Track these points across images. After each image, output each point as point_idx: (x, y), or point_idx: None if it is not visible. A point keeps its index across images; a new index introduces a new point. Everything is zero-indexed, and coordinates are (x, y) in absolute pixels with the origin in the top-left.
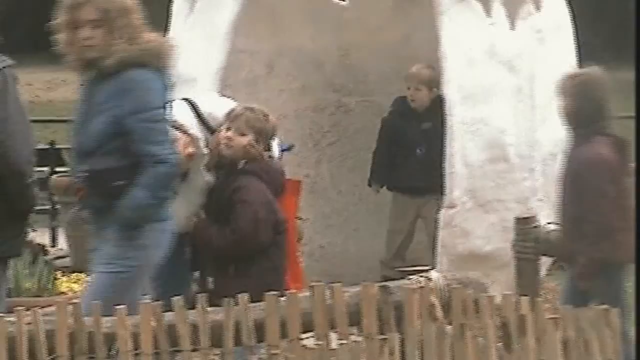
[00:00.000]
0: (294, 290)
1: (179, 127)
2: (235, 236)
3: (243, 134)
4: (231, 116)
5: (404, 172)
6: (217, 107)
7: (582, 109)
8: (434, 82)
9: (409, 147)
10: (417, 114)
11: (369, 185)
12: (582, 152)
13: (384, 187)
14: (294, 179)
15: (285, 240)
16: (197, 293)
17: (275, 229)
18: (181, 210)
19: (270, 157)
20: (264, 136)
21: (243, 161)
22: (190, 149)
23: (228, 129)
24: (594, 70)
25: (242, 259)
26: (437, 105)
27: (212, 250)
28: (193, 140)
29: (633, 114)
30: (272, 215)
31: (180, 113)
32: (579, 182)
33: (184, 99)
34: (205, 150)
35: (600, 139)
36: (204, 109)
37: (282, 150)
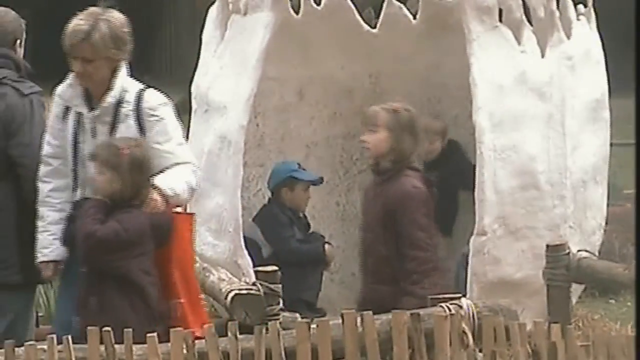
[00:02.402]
0: (193, 330)
1: None
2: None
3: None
4: None
5: None
6: None
7: (400, 144)
8: (445, 132)
9: None
10: (426, 164)
11: None
12: (395, 186)
13: None
14: (185, 213)
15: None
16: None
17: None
18: None
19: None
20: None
21: None
22: None
23: None
24: (406, 105)
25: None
26: (446, 154)
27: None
28: None
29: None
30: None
31: None
32: (394, 218)
33: None
34: None
35: (411, 172)
36: None
37: (312, 184)
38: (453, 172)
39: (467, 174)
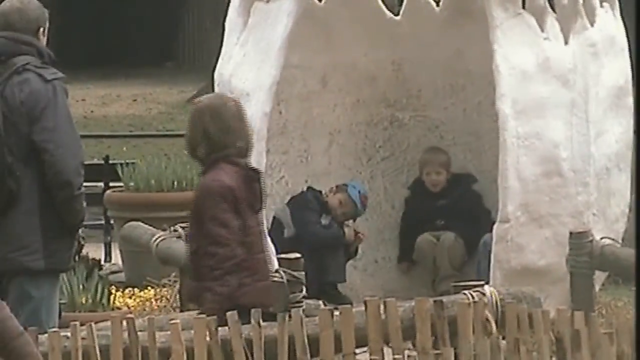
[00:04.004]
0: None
1: None
2: None
3: None
4: None
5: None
6: None
7: (209, 135)
8: (449, 163)
9: (429, 222)
10: (434, 194)
11: (398, 263)
12: (202, 180)
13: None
14: None
15: None
16: None
17: None
18: None
19: None
20: None
21: None
22: None
23: None
24: (220, 97)
25: None
26: (452, 185)
27: None
28: None
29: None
30: None
31: None
32: (199, 212)
33: None
34: None
35: (225, 166)
36: None
37: (355, 209)
38: (459, 203)
39: (473, 205)
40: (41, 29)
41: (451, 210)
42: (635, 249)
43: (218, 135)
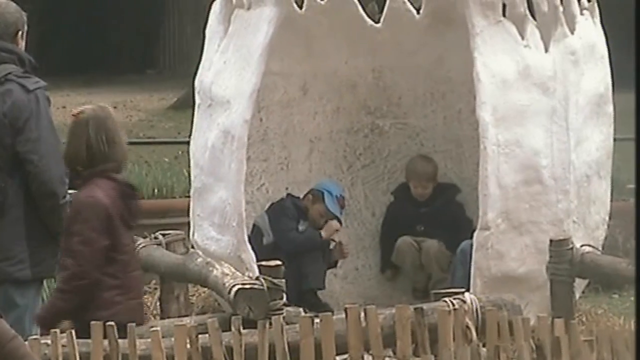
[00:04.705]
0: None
1: None
2: None
3: None
4: None
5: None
6: None
7: (89, 148)
8: (436, 174)
9: (410, 228)
10: (418, 201)
11: (382, 272)
12: (77, 195)
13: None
14: None
15: None
16: None
17: None
18: None
19: None
20: None
21: None
22: None
23: None
24: (102, 109)
25: None
26: (436, 194)
27: None
28: None
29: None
30: None
31: None
32: (68, 226)
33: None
34: None
35: (102, 182)
36: None
37: (332, 213)
38: (441, 211)
39: (455, 214)
40: (20, 33)
41: (433, 217)
42: (636, 250)
43: (101, 147)
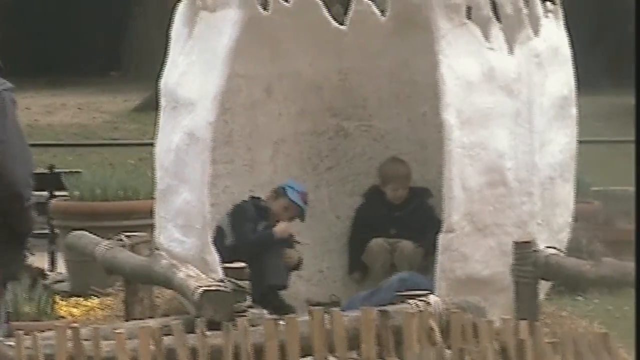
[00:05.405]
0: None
1: None
2: None
3: None
4: None
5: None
6: None
7: None
8: (410, 176)
9: (383, 231)
10: (392, 205)
11: (349, 274)
12: None
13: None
14: None
15: None
16: None
17: None
18: None
19: None
20: None
21: None
22: None
23: None
24: None
25: None
26: (408, 198)
27: None
28: None
29: (633, 137)
30: None
31: None
32: None
33: None
34: None
35: None
36: None
37: (296, 210)
38: (414, 215)
39: (426, 218)
40: None
41: (406, 221)
42: (635, 251)
43: None
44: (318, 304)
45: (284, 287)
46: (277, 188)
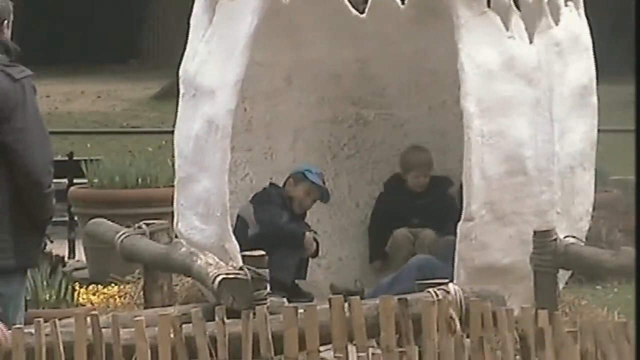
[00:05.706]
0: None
1: None
2: None
3: None
4: None
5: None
6: None
7: None
8: (432, 164)
9: (404, 220)
10: (414, 193)
11: (370, 262)
12: None
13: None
14: None
15: None
16: None
17: None
18: None
19: None
20: None
21: None
22: None
23: None
24: None
25: None
26: (433, 185)
27: None
28: None
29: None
30: None
31: None
32: None
33: None
34: None
35: None
36: None
37: (320, 194)
38: (436, 204)
39: (447, 207)
40: (5, 22)
41: (428, 210)
42: (635, 248)
43: None
44: (344, 291)
45: (285, 286)
46: (294, 174)
